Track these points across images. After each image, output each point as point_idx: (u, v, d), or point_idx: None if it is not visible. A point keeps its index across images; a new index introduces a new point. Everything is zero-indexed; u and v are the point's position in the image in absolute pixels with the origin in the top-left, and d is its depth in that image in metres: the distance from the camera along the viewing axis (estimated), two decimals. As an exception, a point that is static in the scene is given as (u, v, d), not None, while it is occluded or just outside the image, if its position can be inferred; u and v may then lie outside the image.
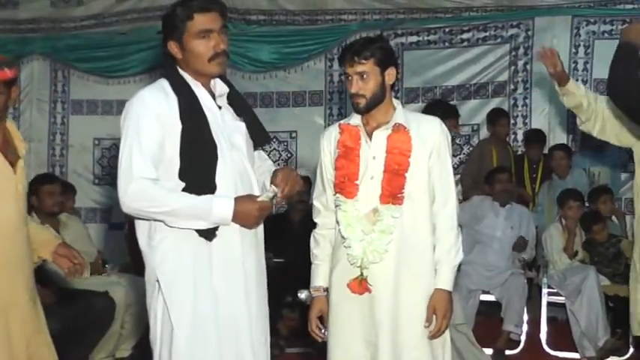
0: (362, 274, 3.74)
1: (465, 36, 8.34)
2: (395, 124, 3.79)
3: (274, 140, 8.73)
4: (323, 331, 3.92)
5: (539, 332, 6.83)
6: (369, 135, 3.82)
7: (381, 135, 3.80)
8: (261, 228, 3.67)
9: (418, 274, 3.77)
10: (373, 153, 3.79)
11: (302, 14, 8.76)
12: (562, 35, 8.03)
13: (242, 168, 3.57)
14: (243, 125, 3.66)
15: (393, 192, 3.72)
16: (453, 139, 5.53)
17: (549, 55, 4.67)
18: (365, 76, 3.74)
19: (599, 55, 7.85)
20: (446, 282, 3.78)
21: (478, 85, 8.26)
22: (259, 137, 3.77)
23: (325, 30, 8.62)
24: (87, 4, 9.18)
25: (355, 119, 3.86)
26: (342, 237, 3.82)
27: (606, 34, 7.85)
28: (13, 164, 3.87)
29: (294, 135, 8.76)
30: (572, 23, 8.01)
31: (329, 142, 3.92)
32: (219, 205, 3.40)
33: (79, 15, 9.22)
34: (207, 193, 3.42)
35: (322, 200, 3.96)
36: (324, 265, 3.95)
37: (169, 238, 3.45)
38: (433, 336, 3.78)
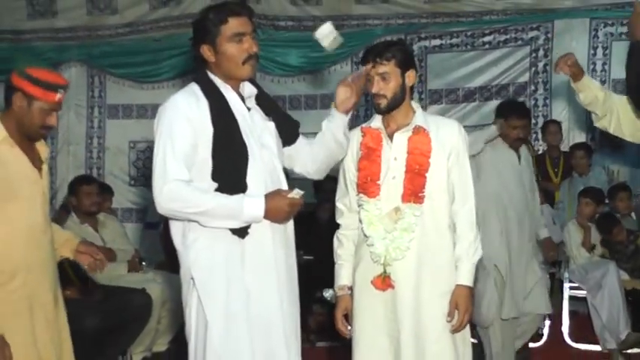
0: (385, 271, 3.76)
1: (486, 39, 8.33)
2: (415, 126, 3.82)
3: (302, 141, 8.74)
4: (349, 328, 3.93)
5: (562, 325, 6.82)
6: (390, 137, 3.85)
7: (402, 137, 3.82)
8: (291, 225, 3.69)
9: (439, 271, 3.80)
10: (395, 154, 3.82)
11: (328, 20, 8.74)
12: (580, 37, 8.03)
13: (272, 167, 3.58)
14: (272, 125, 3.68)
15: (414, 191, 3.75)
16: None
17: (564, 60, 4.58)
18: (386, 76, 3.77)
19: (616, 56, 7.83)
20: (466, 278, 3.80)
21: (499, 87, 8.25)
22: (289, 134, 3.79)
23: (351, 34, 8.59)
24: (121, 12, 9.24)
25: (376, 122, 3.89)
26: (365, 235, 3.84)
27: (623, 36, 7.79)
28: (38, 169, 3.93)
29: (322, 136, 8.77)
30: (591, 25, 8.00)
31: (351, 144, 3.94)
32: (250, 204, 3.42)
33: (114, 23, 9.31)
34: (238, 193, 3.44)
35: (345, 202, 3.99)
36: (347, 265, 3.97)
37: (203, 237, 3.47)
38: (455, 330, 3.80)
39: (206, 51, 3.53)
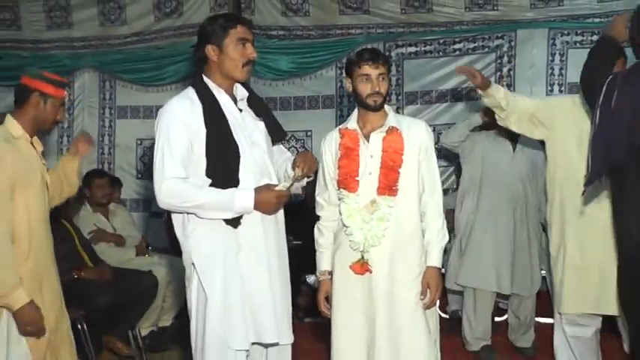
0: (363, 257, 3.80)
1: (456, 46, 8.34)
2: (389, 127, 3.86)
3: (292, 138, 8.76)
4: (330, 308, 3.95)
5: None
6: (366, 137, 3.88)
7: (377, 137, 3.88)
8: (281, 214, 3.71)
9: (411, 255, 3.88)
10: (371, 152, 3.87)
11: (315, 29, 8.77)
12: (540, 45, 8.03)
13: (262, 162, 3.62)
14: (262, 124, 3.71)
15: (389, 185, 3.81)
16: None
17: (467, 70, 4.80)
18: (384, 77, 3.82)
19: (572, 61, 7.85)
20: (436, 260, 3.90)
21: (468, 89, 8.25)
22: (277, 134, 3.83)
23: (335, 42, 8.63)
24: (130, 23, 9.20)
25: (352, 124, 3.94)
26: (345, 225, 3.86)
27: (578, 44, 7.85)
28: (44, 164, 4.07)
29: (309, 134, 8.79)
30: (549, 35, 7.99)
31: (330, 145, 4.00)
32: (241, 197, 3.45)
33: (123, 33, 9.26)
34: (231, 187, 3.45)
35: (324, 196, 4.04)
36: (327, 252, 4.03)
37: (201, 227, 3.51)
38: (428, 307, 3.84)
39: (210, 51, 3.55)
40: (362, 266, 3.85)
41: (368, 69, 3.81)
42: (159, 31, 9.11)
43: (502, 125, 4.96)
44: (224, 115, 3.55)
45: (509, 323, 6.23)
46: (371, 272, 3.84)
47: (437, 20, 8.44)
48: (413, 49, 8.50)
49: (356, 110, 4.01)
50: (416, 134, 3.91)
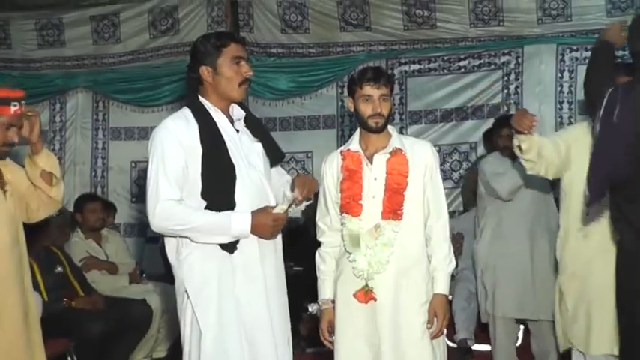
0: (367, 284, 3.74)
1: (461, 63, 8.29)
2: (393, 148, 3.82)
3: (292, 160, 8.71)
4: (333, 337, 3.90)
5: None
6: (369, 159, 3.82)
7: (381, 158, 3.84)
8: (279, 239, 3.67)
9: (417, 282, 3.81)
10: (374, 175, 3.84)
11: (315, 47, 8.74)
12: (548, 61, 7.99)
13: (259, 185, 3.59)
14: (259, 146, 3.68)
15: (393, 208, 3.77)
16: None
17: (526, 120, 4.37)
18: (386, 98, 3.79)
19: (582, 78, 7.70)
20: (443, 287, 3.84)
21: (475, 107, 8.21)
22: (274, 155, 3.80)
23: (336, 60, 8.60)
24: (124, 41, 9.19)
25: (354, 145, 3.90)
26: (347, 251, 3.80)
27: (587, 60, 7.77)
28: (3, 190, 3.78)
29: (309, 155, 8.74)
30: (557, 50, 7.95)
31: (331, 167, 3.97)
32: (237, 220, 3.42)
33: (117, 52, 9.24)
34: (227, 210, 3.40)
35: (326, 221, 3.99)
36: (329, 279, 3.99)
37: (195, 252, 3.46)
38: (435, 336, 3.80)
39: (204, 72, 3.53)
40: (366, 294, 3.80)
41: (369, 89, 3.77)
42: (154, 50, 9.10)
43: (532, 173, 4.68)
44: (221, 136, 3.53)
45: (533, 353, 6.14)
46: (375, 300, 3.79)
47: (441, 37, 8.40)
48: (416, 66, 8.46)
49: (358, 131, 3.97)
50: (421, 155, 3.87)
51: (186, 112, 3.56)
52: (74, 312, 5.81)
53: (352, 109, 3.89)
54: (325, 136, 8.69)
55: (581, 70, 7.62)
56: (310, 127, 8.67)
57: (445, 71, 8.37)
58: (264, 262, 3.55)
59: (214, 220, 3.40)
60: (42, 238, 5.82)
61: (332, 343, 3.91)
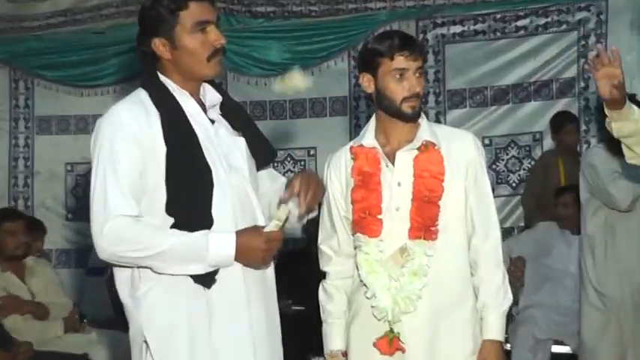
0: (392, 330, 3.73)
1: (520, 23, 8.36)
2: (423, 142, 3.80)
3: (288, 159, 8.77)
4: None
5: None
6: (390, 157, 3.81)
7: (406, 156, 3.82)
8: (271, 268, 3.65)
9: (459, 324, 3.80)
10: (397, 179, 3.82)
11: (319, 3, 8.80)
12: (644, 19, 8.01)
13: (243, 194, 3.56)
14: (242, 141, 3.66)
15: (425, 225, 3.75)
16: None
17: (607, 63, 3.93)
18: (420, 73, 3.78)
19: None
20: (496, 331, 3.80)
21: (539, 84, 8.26)
22: (263, 153, 3.76)
23: (348, 22, 8.66)
24: (53, -1, 9.23)
25: (369, 139, 3.88)
26: (364, 285, 3.82)
27: None
28: None
29: (312, 153, 8.80)
30: (657, 3, 7.99)
31: (338, 170, 3.96)
32: (217, 242, 3.39)
33: (43, 12, 9.31)
34: (202, 229, 3.41)
35: (332, 244, 4.00)
36: (339, 324, 4.00)
37: (157, 287, 3.45)
38: None
39: (159, 46, 3.50)
40: (391, 343, 3.76)
41: (403, 61, 3.73)
42: (96, 8, 9.19)
43: (633, 163, 4.64)
44: (191, 127, 3.51)
45: None
46: (404, 352, 3.76)
47: (492, -14, 8.48)
48: (458, 28, 8.54)
49: (373, 119, 3.95)
50: (461, 151, 3.86)
51: (142, 96, 3.51)
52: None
53: (371, 90, 3.88)
54: (334, 125, 8.77)
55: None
56: (313, 113, 8.75)
57: (498, 34, 8.46)
58: (252, 300, 3.55)
59: (186, 242, 3.35)
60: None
61: None
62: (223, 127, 3.64)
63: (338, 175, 3.94)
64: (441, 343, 3.76)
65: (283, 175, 8.05)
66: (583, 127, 8.14)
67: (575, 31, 8.22)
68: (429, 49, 8.38)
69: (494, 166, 8.32)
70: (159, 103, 3.48)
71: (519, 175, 8.35)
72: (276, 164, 8.55)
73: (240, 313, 3.52)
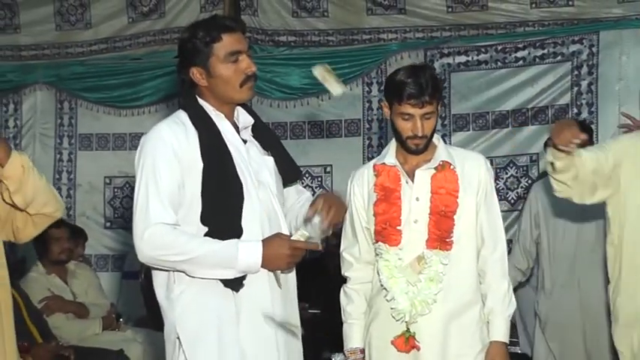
0: (408, 329, 3.78)
1: (519, 54, 8.32)
2: (440, 162, 3.85)
3: (307, 175, 8.75)
4: None
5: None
6: (409, 174, 3.86)
7: (424, 174, 3.89)
8: (292, 275, 3.67)
9: (468, 327, 3.87)
10: (416, 194, 3.89)
11: (336, 34, 8.79)
12: (632, 51, 7.96)
13: (270, 208, 3.61)
14: (270, 160, 3.70)
15: (441, 236, 3.81)
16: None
17: (568, 134, 4.12)
18: (430, 116, 3.82)
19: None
20: (502, 333, 3.89)
21: (536, 110, 8.23)
22: (289, 173, 3.80)
23: (362, 51, 8.64)
24: (95, 26, 9.23)
25: (390, 158, 3.94)
26: (384, 289, 3.84)
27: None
28: None
29: (328, 170, 8.78)
30: (644, 37, 7.96)
31: (361, 184, 4.01)
32: (245, 251, 3.42)
33: (87, 39, 9.29)
34: (232, 238, 3.44)
35: (353, 252, 4.03)
36: (358, 324, 4.03)
37: (191, 289, 3.47)
38: None
39: (196, 74, 3.55)
40: (407, 341, 3.82)
41: (410, 108, 3.79)
42: (134, 37, 9.16)
43: (560, 196, 4.61)
44: (226, 146, 3.55)
45: None
46: (419, 349, 3.81)
47: (493, 20, 8.45)
48: (463, 58, 8.50)
49: (393, 141, 4.01)
50: (473, 171, 3.92)
51: (182, 117, 3.57)
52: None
53: (387, 117, 3.95)
54: (348, 145, 8.73)
55: (676, 63, 7.77)
56: (330, 134, 8.71)
57: (499, 64, 8.41)
58: (275, 302, 3.58)
59: (217, 250, 3.38)
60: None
61: None
62: (254, 147, 3.69)
63: (361, 189, 4.00)
64: (452, 342, 3.82)
65: (302, 189, 8.11)
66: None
67: (569, 62, 8.18)
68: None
69: (495, 185, 8.29)
70: (197, 124, 3.53)
71: (517, 193, 8.32)
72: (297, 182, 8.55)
73: (266, 314, 3.55)
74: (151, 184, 3.42)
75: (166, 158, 3.45)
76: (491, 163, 7.97)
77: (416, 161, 3.91)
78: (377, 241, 3.90)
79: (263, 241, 3.44)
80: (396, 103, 3.80)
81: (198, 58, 3.53)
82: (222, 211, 3.48)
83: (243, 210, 3.49)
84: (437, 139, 3.97)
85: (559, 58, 8.24)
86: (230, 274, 3.43)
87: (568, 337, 6.21)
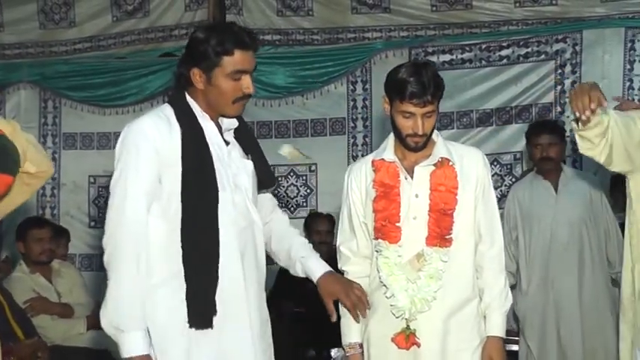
0: (408, 326, 3.77)
1: (503, 53, 8.29)
2: (440, 158, 3.82)
3: (291, 174, 8.72)
4: None
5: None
6: (409, 171, 3.84)
7: (423, 171, 3.88)
8: (262, 263, 3.67)
9: (467, 322, 3.90)
10: (415, 191, 3.86)
11: (321, 33, 8.76)
12: (614, 50, 7.96)
13: (245, 212, 3.60)
14: (250, 164, 3.70)
15: (441, 233, 3.83)
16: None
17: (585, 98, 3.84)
18: (431, 114, 3.80)
19: (658, 71, 7.79)
20: (499, 328, 3.92)
21: (520, 108, 8.21)
22: (266, 179, 3.78)
23: (347, 50, 8.61)
24: (80, 25, 9.19)
25: (389, 154, 3.92)
26: (384, 285, 3.86)
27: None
28: None
29: (313, 168, 8.74)
30: (626, 36, 7.94)
31: (359, 179, 4.00)
32: (130, 343, 3.38)
33: (71, 38, 9.24)
34: (209, 236, 3.47)
35: (351, 246, 4.02)
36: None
37: (163, 287, 3.44)
38: None
39: (196, 75, 3.54)
40: (408, 338, 3.84)
41: (411, 107, 3.76)
42: (119, 35, 9.13)
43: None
44: (207, 147, 3.53)
45: None
46: (419, 346, 3.82)
47: (478, 19, 8.44)
48: (447, 57, 8.47)
49: (391, 136, 3.99)
50: (472, 167, 3.92)
51: (167, 112, 3.54)
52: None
53: (387, 112, 3.91)
54: (333, 144, 8.69)
55: (658, 61, 7.78)
56: (314, 133, 8.66)
57: (483, 63, 8.39)
58: (250, 301, 3.57)
59: (120, 308, 3.39)
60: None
61: None
62: (236, 149, 3.67)
63: (359, 184, 3.99)
64: (451, 338, 3.85)
65: (286, 189, 8.14)
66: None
67: (553, 61, 8.17)
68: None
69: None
70: (182, 121, 3.53)
71: (501, 191, 8.26)
72: (280, 178, 8.55)
73: (241, 313, 3.54)
74: (130, 175, 3.40)
75: (146, 151, 3.42)
76: (476, 162, 8.08)
77: (415, 157, 3.89)
78: (376, 238, 3.90)
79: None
80: (397, 100, 3.76)
81: (205, 63, 3.49)
82: (198, 213, 3.46)
83: (219, 212, 3.48)
84: (436, 134, 3.94)
85: (543, 56, 8.23)
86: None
87: (544, 337, 6.24)
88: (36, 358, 5.88)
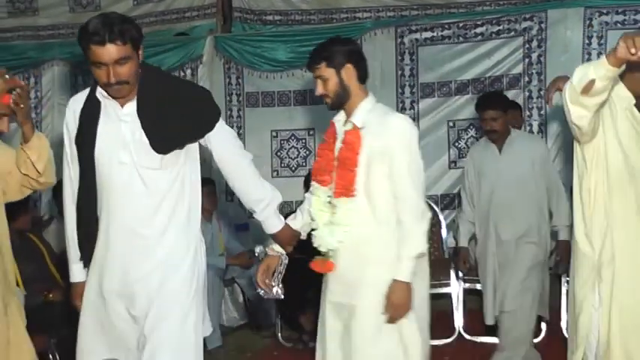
0: (326, 254, 3.87)
1: (478, 30, 8.33)
2: (353, 123, 3.96)
3: (292, 138, 8.75)
4: (275, 289, 4.04)
5: (560, 320, 6.77)
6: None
7: (343, 132, 4.01)
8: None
9: (379, 265, 3.91)
10: (339, 147, 4.00)
11: (317, 13, 8.80)
12: (575, 27, 8.03)
13: (127, 183, 3.61)
14: (142, 136, 3.61)
15: (345, 185, 3.86)
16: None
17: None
18: (323, 78, 3.96)
19: (612, 45, 7.74)
20: (402, 273, 3.84)
21: (493, 78, 8.26)
22: (155, 144, 3.62)
23: (340, 28, 8.61)
24: (104, 9, 9.16)
25: (340, 114, 4.08)
26: (312, 220, 4.07)
27: (619, 25, 7.84)
28: None
29: (311, 132, 8.78)
30: (585, 15, 7.98)
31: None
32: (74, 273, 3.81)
33: (99, 19, 9.23)
34: (89, 211, 3.68)
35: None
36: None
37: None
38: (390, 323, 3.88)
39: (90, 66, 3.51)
40: (324, 263, 4.00)
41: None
42: (138, 17, 9.08)
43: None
44: (95, 129, 3.61)
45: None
46: (332, 270, 3.98)
47: (455, 1, 8.49)
48: (428, 34, 8.50)
49: None
50: (386, 131, 3.91)
51: (87, 91, 3.70)
52: (54, 307, 5.74)
53: None
54: (329, 111, 8.69)
55: (612, 36, 7.79)
56: (312, 101, 8.66)
57: (460, 39, 8.42)
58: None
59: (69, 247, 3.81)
60: (17, 222, 5.58)
61: (263, 284, 4.04)
62: (129, 126, 3.62)
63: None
64: (364, 277, 3.91)
65: (288, 150, 8.15)
66: (527, 113, 8.15)
67: (521, 37, 8.20)
68: (406, 50, 8.42)
69: (457, 144, 8.36)
70: (87, 100, 3.65)
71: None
72: (282, 141, 8.60)
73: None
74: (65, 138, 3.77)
75: (66, 123, 3.77)
76: (454, 126, 8.18)
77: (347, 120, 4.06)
78: (312, 180, 4.19)
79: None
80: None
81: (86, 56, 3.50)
82: (83, 187, 3.70)
83: (99, 188, 3.65)
84: (367, 102, 4.00)
85: (512, 33, 8.26)
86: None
87: (485, 279, 6.43)
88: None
